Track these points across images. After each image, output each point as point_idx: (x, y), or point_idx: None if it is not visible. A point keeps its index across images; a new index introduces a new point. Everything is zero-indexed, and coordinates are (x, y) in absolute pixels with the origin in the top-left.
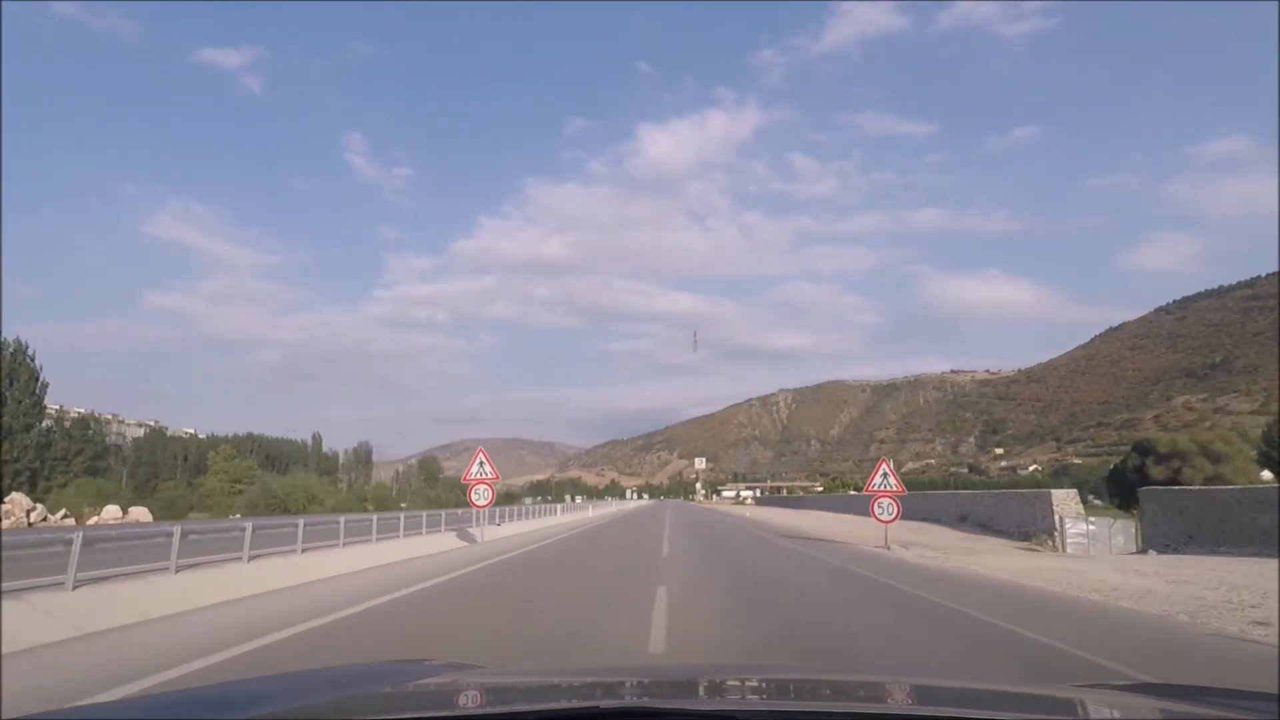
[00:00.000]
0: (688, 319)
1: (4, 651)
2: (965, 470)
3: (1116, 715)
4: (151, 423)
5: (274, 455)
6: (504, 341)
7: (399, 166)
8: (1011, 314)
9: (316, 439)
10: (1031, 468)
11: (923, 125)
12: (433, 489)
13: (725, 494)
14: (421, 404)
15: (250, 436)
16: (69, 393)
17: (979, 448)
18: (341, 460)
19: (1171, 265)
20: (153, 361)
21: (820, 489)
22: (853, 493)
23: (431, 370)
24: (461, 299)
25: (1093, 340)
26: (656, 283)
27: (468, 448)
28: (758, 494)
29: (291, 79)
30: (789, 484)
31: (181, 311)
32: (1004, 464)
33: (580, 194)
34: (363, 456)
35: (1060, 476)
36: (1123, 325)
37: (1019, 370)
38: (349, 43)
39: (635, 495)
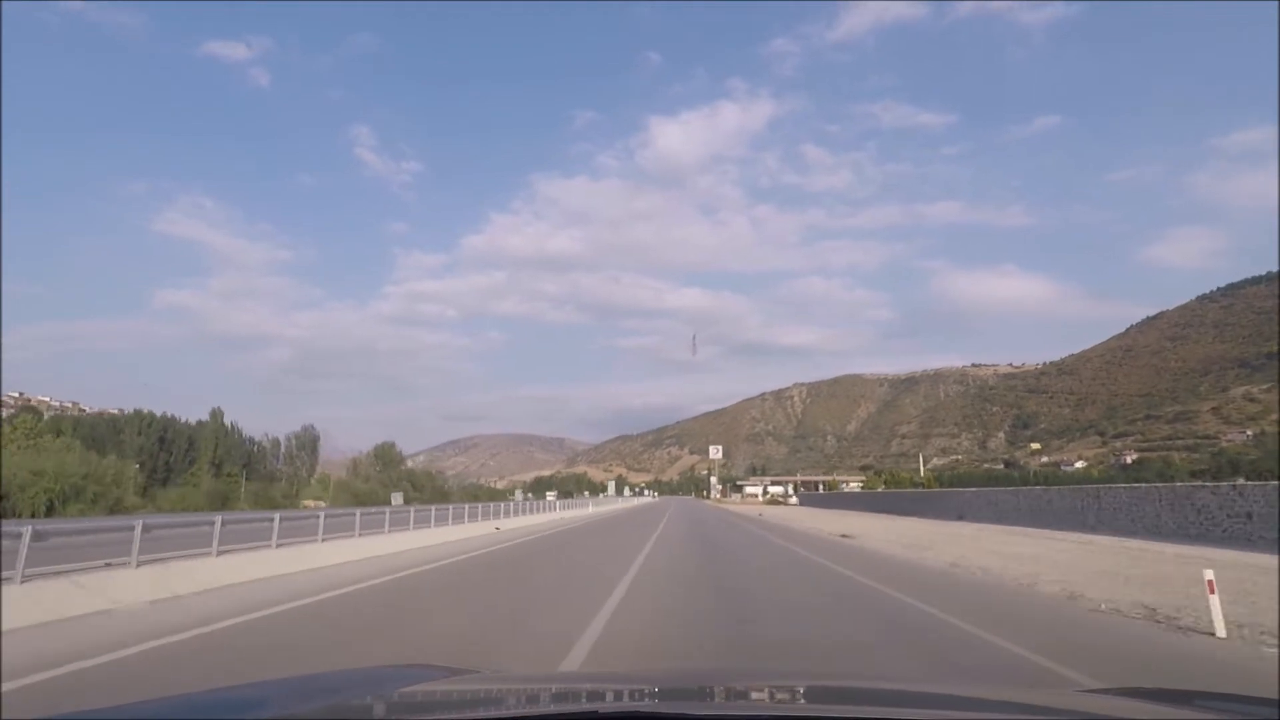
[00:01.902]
0: (697, 315)
1: None
2: (1001, 466)
3: (1115, 719)
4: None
5: (172, 438)
6: (513, 338)
7: (407, 161)
8: (1027, 310)
9: (215, 415)
10: (1078, 463)
11: (939, 116)
12: (365, 484)
13: (748, 490)
14: (430, 401)
15: (139, 414)
16: (76, 390)
17: (1009, 442)
18: (283, 448)
19: (1191, 261)
20: (164, 358)
21: (878, 485)
22: (914, 489)
23: (440, 367)
24: (470, 295)
25: (1128, 330)
26: (665, 278)
27: (476, 444)
28: (788, 490)
29: (298, 72)
30: (826, 478)
31: (191, 309)
32: (1044, 459)
33: (589, 188)
34: (306, 444)
35: (1138, 470)
36: (1161, 315)
37: (1048, 363)
38: (355, 35)
39: (620, 491)
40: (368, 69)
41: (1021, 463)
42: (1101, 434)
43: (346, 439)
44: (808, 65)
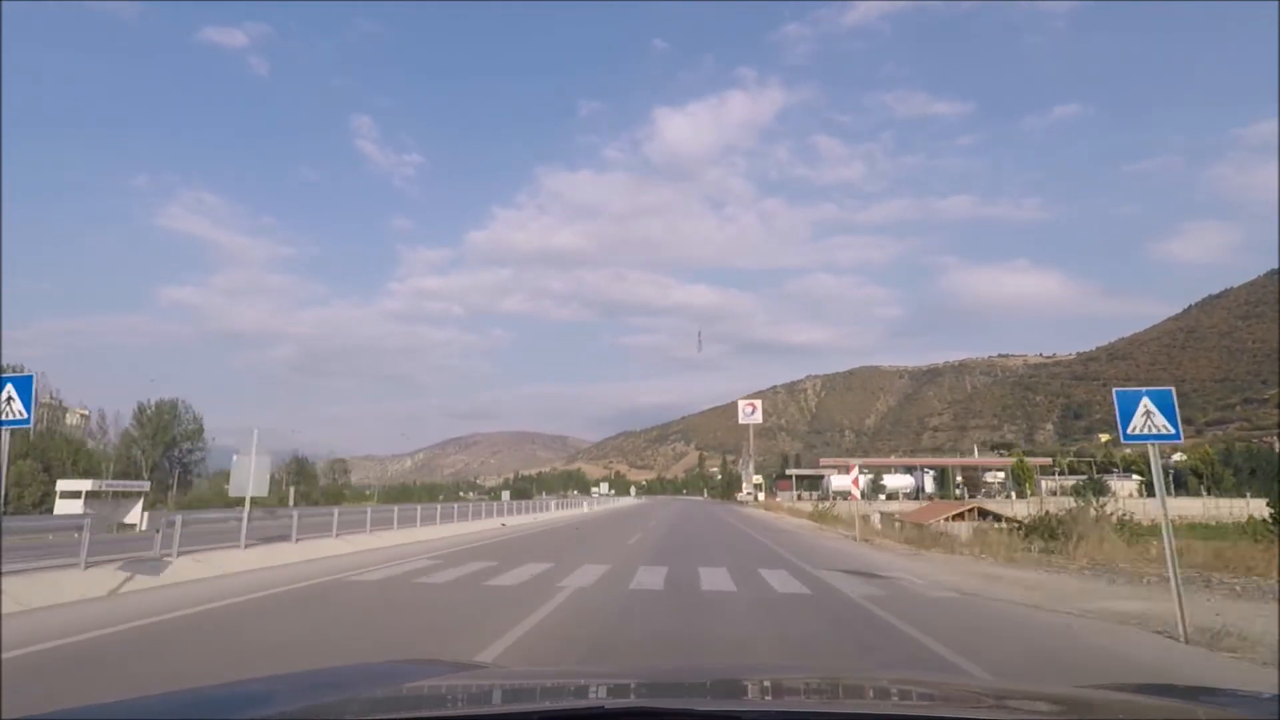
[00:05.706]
0: (704, 312)
1: None
2: (1070, 458)
3: (1118, 715)
4: None
5: None
6: (518, 335)
7: (409, 153)
8: (1039, 306)
9: None
10: (1176, 456)
11: (955, 105)
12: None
13: (837, 482)
14: (437, 399)
15: None
16: (84, 386)
17: (1059, 433)
18: None
19: (1205, 256)
20: (170, 356)
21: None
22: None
23: (446, 365)
24: (475, 292)
25: (1188, 310)
26: (672, 274)
27: (477, 441)
28: (917, 485)
29: (298, 60)
30: (971, 460)
31: (196, 305)
32: (1128, 450)
33: (595, 182)
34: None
35: None
36: (1226, 292)
37: (1099, 347)
38: (355, 21)
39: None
40: (368, 57)
41: (1099, 456)
42: (1190, 421)
43: (348, 441)
44: (820, 52)
